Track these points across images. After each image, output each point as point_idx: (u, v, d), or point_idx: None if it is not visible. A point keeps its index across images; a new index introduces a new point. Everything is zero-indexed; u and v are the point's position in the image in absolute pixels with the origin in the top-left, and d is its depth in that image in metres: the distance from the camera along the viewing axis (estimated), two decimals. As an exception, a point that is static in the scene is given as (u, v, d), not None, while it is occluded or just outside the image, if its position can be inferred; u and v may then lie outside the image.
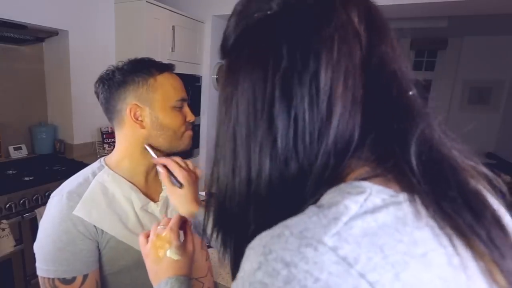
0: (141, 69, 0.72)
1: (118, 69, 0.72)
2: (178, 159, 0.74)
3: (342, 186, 0.30)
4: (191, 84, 2.92)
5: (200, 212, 0.66)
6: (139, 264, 0.73)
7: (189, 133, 0.79)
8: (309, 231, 0.25)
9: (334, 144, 0.31)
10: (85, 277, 0.64)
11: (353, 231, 0.25)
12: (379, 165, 0.31)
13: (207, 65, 3.05)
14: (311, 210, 0.28)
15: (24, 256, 1.62)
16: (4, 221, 1.52)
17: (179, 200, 0.68)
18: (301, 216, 0.28)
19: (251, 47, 0.33)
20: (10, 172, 1.81)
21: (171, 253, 0.54)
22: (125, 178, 0.74)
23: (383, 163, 0.31)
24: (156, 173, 0.83)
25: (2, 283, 1.60)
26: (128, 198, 0.73)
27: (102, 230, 0.67)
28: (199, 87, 3.05)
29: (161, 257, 0.54)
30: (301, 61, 0.30)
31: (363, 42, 0.31)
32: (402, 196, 0.28)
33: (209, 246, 1.24)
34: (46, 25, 1.99)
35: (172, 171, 0.70)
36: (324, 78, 0.30)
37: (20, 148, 2.14)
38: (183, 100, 0.76)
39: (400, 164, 0.30)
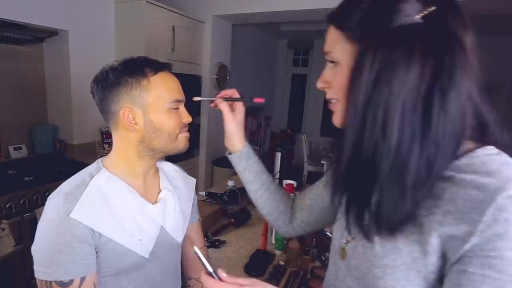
0: (134, 70, 0.70)
1: (112, 70, 0.71)
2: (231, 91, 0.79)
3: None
4: (191, 84, 2.92)
5: (247, 148, 0.76)
6: (137, 266, 0.73)
7: (184, 134, 0.76)
8: None
9: (466, 134, 0.42)
10: (82, 279, 0.64)
11: None
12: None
13: (207, 65, 3.05)
14: None
15: (24, 256, 1.63)
16: (4, 221, 1.52)
17: (236, 127, 0.76)
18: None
19: (409, 46, 0.40)
20: (10, 172, 1.81)
21: None
22: (122, 180, 0.74)
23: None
24: (154, 174, 0.82)
25: (2, 283, 1.61)
26: (126, 200, 0.72)
27: (99, 233, 0.66)
28: (199, 87, 3.05)
29: None
30: (449, 70, 0.40)
31: (475, 66, 0.42)
32: None
33: (208, 246, 1.24)
34: (46, 25, 1.99)
35: (231, 95, 0.78)
36: (465, 88, 0.41)
37: (20, 148, 2.14)
38: (178, 101, 0.74)
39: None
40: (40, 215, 0.67)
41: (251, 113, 4.64)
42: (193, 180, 0.94)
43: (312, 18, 2.75)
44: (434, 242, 0.41)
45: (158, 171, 0.84)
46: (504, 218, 0.36)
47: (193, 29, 2.84)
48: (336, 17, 0.48)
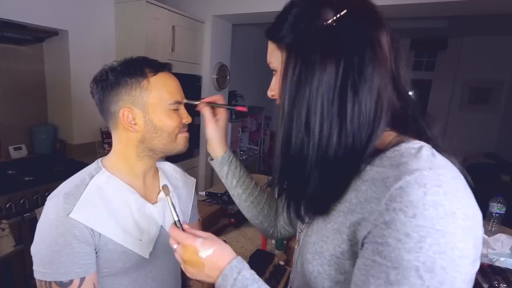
0: (134, 70, 0.70)
1: (111, 70, 0.70)
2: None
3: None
4: (191, 84, 2.92)
5: (228, 153, 0.79)
6: (137, 266, 0.73)
7: (184, 135, 0.77)
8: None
9: (380, 125, 0.46)
10: (82, 280, 0.64)
11: None
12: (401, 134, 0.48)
13: (207, 65, 3.05)
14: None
15: (24, 256, 1.63)
16: (4, 221, 1.52)
17: (216, 134, 0.78)
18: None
19: (323, 48, 0.45)
20: (10, 172, 1.81)
21: (204, 254, 0.54)
22: (122, 180, 0.73)
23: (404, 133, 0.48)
24: (154, 174, 0.82)
25: (2, 283, 1.61)
26: (125, 200, 0.72)
27: (99, 233, 0.66)
28: (199, 87, 3.05)
29: (201, 262, 0.54)
30: (359, 67, 0.44)
31: (391, 59, 0.47)
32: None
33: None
34: (46, 25, 1.99)
35: (215, 103, 0.80)
36: (376, 83, 0.45)
37: (20, 148, 2.14)
38: (178, 103, 0.74)
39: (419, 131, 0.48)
40: (40, 215, 0.67)
41: (251, 113, 4.64)
42: (192, 180, 0.94)
43: (312, 18, 2.75)
44: (346, 231, 0.46)
45: (158, 171, 0.84)
46: (393, 207, 0.38)
47: (193, 29, 2.84)
48: (270, 31, 0.53)
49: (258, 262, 1.16)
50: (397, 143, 0.45)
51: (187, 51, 2.80)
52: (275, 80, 0.55)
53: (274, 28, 0.52)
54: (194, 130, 2.73)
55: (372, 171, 0.44)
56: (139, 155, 0.74)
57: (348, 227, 0.45)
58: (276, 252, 1.25)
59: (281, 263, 1.17)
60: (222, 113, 0.80)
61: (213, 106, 0.79)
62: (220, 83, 3.21)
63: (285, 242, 1.26)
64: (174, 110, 0.74)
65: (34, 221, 1.63)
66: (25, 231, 1.62)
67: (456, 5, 2.16)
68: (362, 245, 0.42)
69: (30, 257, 0.65)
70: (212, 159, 0.81)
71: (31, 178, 1.73)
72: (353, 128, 0.45)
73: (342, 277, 0.47)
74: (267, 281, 1.04)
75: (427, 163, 0.40)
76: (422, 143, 0.44)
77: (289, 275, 1.12)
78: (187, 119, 0.77)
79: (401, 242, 0.37)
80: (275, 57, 0.52)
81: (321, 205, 0.50)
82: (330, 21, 0.45)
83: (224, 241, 1.37)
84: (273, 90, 0.56)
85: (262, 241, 1.27)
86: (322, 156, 0.46)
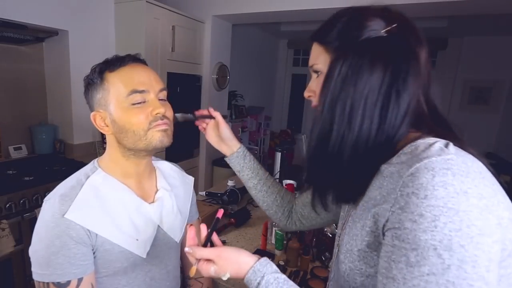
0: (93, 73, 0.71)
1: (89, 73, 0.72)
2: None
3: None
4: (191, 84, 2.92)
5: (242, 148, 0.88)
6: (135, 266, 0.73)
7: (158, 128, 0.70)
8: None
9: (406, 126, 0.50)
10: (79, 280, 0.64)
11: None
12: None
13: (207, 65, 3.05)
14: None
15: (24, 256, 1.63)
16: (4, 221, 1.52)
17: (230, 132, 0.88)
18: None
19: (372, 55, 0.49)
20: (10, 172, 1.81)
21: (225, 277, 0.57)
22: (118, 180, 0.73)
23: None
24: (150, 174, 0.81)
25: (2, 283, 1.60)
26: (121, 200, 0.72)
27: (96, 233, 0.66)
28: (199, 87, 3.05)
29: (225, 277, 0.57)
30: (404, 75, 0.49)
31: (426, 74, 0.52)
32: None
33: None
34: (46, 25, 1.99)
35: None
36: (413, 91, 0.49)
37: (20, 148, 2.14)
38: (138, 92, 0.68)
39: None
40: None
41: (251, 113, 4.64)
42: (191, 179, 0.94)
43: (312, 18, 2.74)
44: (369, 223, 0.48)
45: (155, 170, 0.84)
46: (406, 192, 0.41)
47: (193, 29, 2.84)
48: (318, 35, 0.57)
49: (258, 262, 1.16)
50: (414, 140, 0.48)
51: (187, 51, 2.80)
52: (316, 81, 0.58)
53: (322, 32, 0.56)
54: (194, 130, 2.73)
55: (391, 167, 0.47)
56: (124, 155, 0.74)
57: (369, 219, 0.48)
58: (276, 252, 1.25)
59: (281, 263, 1.17)
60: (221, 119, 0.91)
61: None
62: (220, 83, 3.21)
63: (285, 242, 1.25)
64: (137, 103, 0.68)
65: (34, 221, 1.61)
66: (25, 231, 1.62)
67: (456, 5, 2.16)
68: (383, 234, 0.44)
69: (30, 257, 0.65)
70: (227, 157, 0.89)
71: (31, 178, 1.73)
72: (389, 126, 0.49)
73: (372, 270, 0.49)
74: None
75: (437, 152, 0.43)
76: (438, 139, 0.46)
77: (290, 275, 1.12)
78: (157, 110, 0.69)
79: (416, 223, 0.39)
80: (321, 59, 0.56)
81: (349, 193, 0.54)
82: (382, 31, 0.50)
83: (224, 241, 1.37)
84: (312, 91, 0.60)
85: (262, 241, 1.27)
86: (357, 149, 0.50)
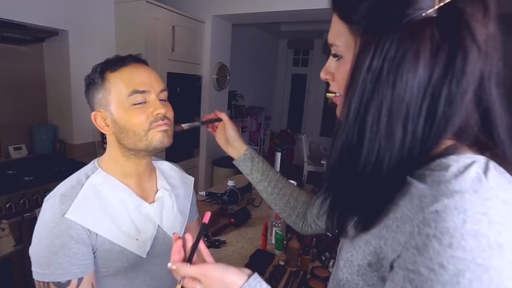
0: (93, 73, 0.71)
1: (90, 73, 0.72)
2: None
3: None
4: (191, 84, 2.92)
5: (249, 150, 0.83)
6: (135, 265, 0.73)
7: (158, 129, 0.70)
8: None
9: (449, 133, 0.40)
10: (80, 280, 0.64)
11: None
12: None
13: (207, 65, 3.05)
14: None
15: (24, 256, 1.63)
16: (4, 221, 1.52)
17: (236, 134, 0.84)
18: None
19: (418, 42, 0.36)
20: (10, 172, 1.81)
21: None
22: (118, 179, 0.73)
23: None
24: (150, 173, 0.81)
25: (2, 283, 1.61)
26: (122, 200, 0.71)
27: (96, 233, 0.66)
28: (199, 87, 3.05)
29: None
30: (461, 68, 0.36)
31: (481, 62, 0.38)
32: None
33: (209, 246, 1.24)
34: (46, 25, 1.99)
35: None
36: (466, 93, 0.37)
37: (20, 148, 2.14)
38: (139, 93, 0.68)
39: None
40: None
41: (251, 113, 4.64)
42: (191, 179, 0.94)
43: (312, 18, 2.75)
44: (374, 243, 0.41)
45: (155, 170, 0.84)
46: (426, 232, 0.34)
47: (193, 29, 2.84)
48: (340, 5, 0.43)
49: (258, 262, 1.16)
50: (446, 154, 0.39)
51: (187, 51, 2.80)
52: (336, 65, 0.46)
53: (348, 4, 0.42)
54: (194, 130, 2.73)
55: (412, 185, 0.38)
56: (124, 155, 0.73)
57: (375, 240, 0.41)
58: (276, 252, 1.25)
59: (281, 263, 1.17)
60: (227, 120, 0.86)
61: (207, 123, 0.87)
62: (220, 83, 3.21)
63: (285, 242, 1.26)
64: (138, 104, 0.68)
65: (34, 221, 1.61)
66: (25, 231, 1.62)
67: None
68: (392, 267, 0.38)
69: (30, 257, 0.65)
70: (234, 159, 0.85)
71: (31, 178, 1.73)
72: (434, 136, 0.39)
73: None
74: (267, 281, 1.04)
75: (473, 185, 0.34)
76: (476, 157, 0.37)
77: (290, 275, 1.12)
78: (157, 110, 0.69)
79: (435, 273, 0.33)
80: (342, 40, 0.43)
81: (371, 216, 0.43)
82: (430, 10, 0.36)
83: (224, 241, 1.36)
84: (329, 73, 0.48)
85: (262, 241, 1.27)
86: (395, 167, 0.39)
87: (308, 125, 5.76)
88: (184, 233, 0.86)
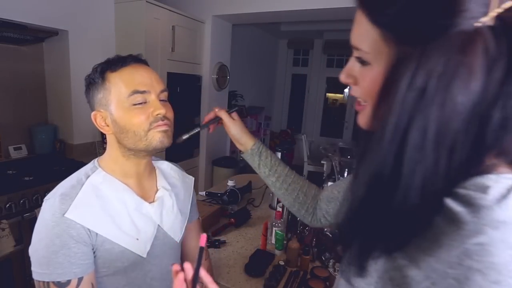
0: (94, 73, 0.71)
1: (91, 73, 0.72)
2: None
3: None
4: (191, 84, 2.92)
5: (257, 145, 0.81)
6: (135, 265, 0.72)
7: (158, 129, 0.70)
8: None
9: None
10: (80, 280, 0.64)
11: None
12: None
13: (207, 65, 3.05)
14: None
15: (24, 256, 1.62)
16: (4, 221, 1.52)
17: (240, 129, 0.81)
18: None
19: (472, 55, 0.31)
20: (10, 172, 1.81)
21: None
22: (118, 179, 0.73)
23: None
24: (150, 173, 0.81)
25: (2, 283, 1.61)
26: (122, 199, 0.71)
27: (96, 232, 0.66)
28: (199, 87, 3.05)
29: None
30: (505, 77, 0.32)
31: None
32: None
33: (209, 246, 1.24)
34: (46, 25, 1.99)
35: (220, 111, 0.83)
36: None
37: (20, 148, 2.14)
38: (139, 93, 0.68)
39: None
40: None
41: (251, 113, 4.64)
42: (191, 179, 0.94)
43: (312, 18, 2.75)
44: (402, 263, 0.36)
45: (155, 170, 0.84)
46: (468, 265, 0.30)
47: (193, 29, 2.84)
48: (370, 4, 0.37)
49: (258, 262, 1.16)
50: (482, 172, 0.34)
51: (187, 51, 2.80)
52: (361, 71, 0.40)
53: (380, 4, 0.36)
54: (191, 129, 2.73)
55: (448, 206, 0.34)
56: (124, 155, 0.74)
57: (402, 259, 0.36)
58: (276, 252, 1.25)
59: (281, 263, 1.17)
60: (235, 115, 0.85)
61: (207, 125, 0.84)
62: (220, 83, 3.21)
63: (285, 242, 1.26)
64: (138, 104, 0.68)
65: (34, 221, 1.60)
66: (25, 231, 1.62)
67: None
68: None
69: (30, 257, 0.65)
70: (242, 153, 0.83)
71: (31, 178, 1.73)
72: (480, 156, 0.34)
73: None
74: (267, 281, 1.04)
75: None
76: None
77: (290, 275, 1.12)
78: (158, 111, 0.69)
79: None
80: (370, 45, 0.37)
81: (402, 244, 0.37)
82: (484, 19, 0.31)
83: (224, 241, 1.37)
84: (352, 77, 0.43)
85: (262, 241, 1.27)
86: (436, 190, 0.34)
87: (308, 125, 5.76)
88: (185, 234, 0.86)
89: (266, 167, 0.80)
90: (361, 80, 0.41)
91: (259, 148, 0.81)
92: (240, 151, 0.84)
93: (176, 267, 0.54)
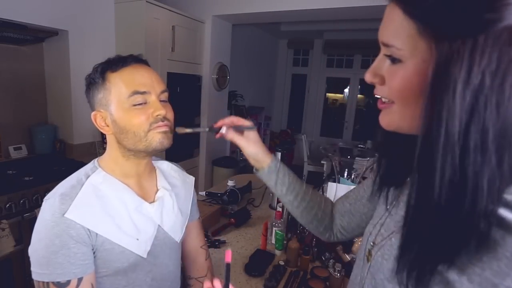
0: (94, 73, 0.71)
1: (91, 72, 0.72)
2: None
3: None
4: (191, 84, 2.92)
5: (274, 162, 0.72)
6: (135, 266, 0.72)
7: (158, 130, 0.70)
8: None
9: None
10: (79, 280, 0.64)
11: None
12: None
13: (207, 65, 3.05)
14: None
15: (24, 256, 1.62)
16: (4, 221, 1.52)
17: (256, 149, 0.71)
18: None
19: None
20: (10, 172, 1.81)
21: None
22: (118, 179, 0.73)
23: None
24: (150, 173, 0.81)
25: (2, 283, 1.61)
26: (122, 199, 0.71)
27: (96, 233, 0.66)
28: (199, 87, 3.05)
29: None
30: None
31: None
32: None
33: (209, 246, 1.24)
34: (46, 25, 1.99)
35: (236, 123, 0.72)
36: None
37: (20, 148, 2.14)
38: (139, 94, 0.68)
39: None
40: (40, 215, 0.67)
41: (251, 113, 4.64)
42: (191, 178, 0.94)
43: (312, 18, 2.75)
44: (453, 278, 0.34)
45: (155, 170, 0.84)
46: None
47: (193, 29, 2.84)
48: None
49: (258, 262, 1.16)
50: None
51: (187, 51, 2.80)
52: (390, 68, 0.38)
53: None
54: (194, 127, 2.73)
55: (501, 213, 0.32)
56: (124, 155, 0.74)
57: (464, 278, 0.34)
58: (276, 252, 1.25)
59: (281, 263, 1.17)
60: (250, 132, 0.73)
61: (237, 129, 0.72)
62: (220, 83, 3.21)
63: (285, 242, 1.25)
64: (139, 104, 0.68)
65: (34, 221, 1.60)
66: (25, 231, 1.62)
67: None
68: None
69: (29, 257, 0.65)
70: (257, 170, 0.74)
71: (31, 178, 1.73)
72: None
73: None
74: (267, 281, 1.04)
75: None
76: None
77: (290, 275, 1.12)
78: (158, 111, 0.69)
79: None
80: (405, 41, 0.35)
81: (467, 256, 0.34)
82: None
83: (224, 241, 1.36)
84: (379, 76, 0.41)
85: (262, 241, 1.27)
86: (502, 193, 0.33)
87: (308, 125, 5.76)
88: (185, 234, 0.86)
89: (284, 186, 0.72)
90: (390, 79, 0.39)
91: (276, 166, 0.72)
92: (254, 168, 0.75)
93: (207, 284, 0.55)
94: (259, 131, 4.83)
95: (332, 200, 0.78)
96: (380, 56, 0.40)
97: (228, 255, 0.54)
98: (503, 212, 0.32)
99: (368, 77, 0.42)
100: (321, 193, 0.78)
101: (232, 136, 0.71)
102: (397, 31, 0.36)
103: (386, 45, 0.37)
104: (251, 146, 0.71)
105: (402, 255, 0.39)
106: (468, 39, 0.31)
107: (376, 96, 0.43)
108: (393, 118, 0.41)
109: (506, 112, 0.30)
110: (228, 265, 0.54)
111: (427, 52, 0.34)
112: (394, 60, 0.37)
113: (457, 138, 0.32)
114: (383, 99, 0.42)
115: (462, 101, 0.31)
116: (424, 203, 0.36)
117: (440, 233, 0.35)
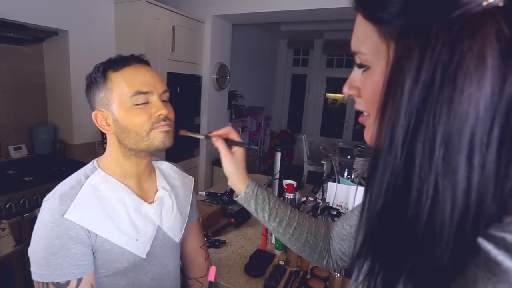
0: (96, 73, 0.71)
1: (92, 72, 0.72)
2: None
3: None
4: (191, 84, 2.92)
5: (251, 187, 0.67)
6: (135, 266, 0.73)
7: (160, 129, 0.70)
8: None
9: None
10: (79, 280, 0.64)
11: None
12: None
13: (207, 65, 3.05)
14: None
15: (24, 256, 1.63)
16: (4, 221, 1.53)
17: (232, 168, 0.67)
18: None
19: (481, 43, 0.26)
20: (10, 172, 1.81)
21: None
22: (117, 180, 0.73)
23: None
24: (150, 174, 0.81)
25: (2, 283, 1.61)
26: (121, 200, 0.72)
27: (95, 233, 0.66)
28: (199, 87, 3.05)
29: None
30: None
31: None
32: None
33: (209, 246, 1.24)
34: (46, 25, 1.99)
35: (229, 136, 0.70)
36: None
37: (20, 148, 2.14)
38: (142, 94, 0.68)
39: None
40: (40, 215, 0.67)
41: (251, 113, 4.64)
42: (191, 179, 0.94)
43: (312, 18, 2.75)
44: None
45: (154, 170, 0.84)
46: None
47: (193, 29, 2.84)
48: (365, 1, 0.34)
49: (258, 262, 1.16)
50: None
51: (187, 51, 2.80)
52: (363, 77, 0.37)
53: (376, 3, 0.32)
54: (194, 130, 2.73)
55: (488, 254, 0.28)
56: (124, 155, 0.74)
57: None
58: (276, 252, 1.25)
59: (281, 263, 1.17)
60: (238, 148, 0.70)
61: (228, 142, 0.70)
62: (220, 83, 3.21)
63: (285, 242, 1.25)
64: (141, 104, 0.69)
65: (34, 221, 1.60)
66: (25, 231, 1.62)
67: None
68: None
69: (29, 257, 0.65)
70: (236, 196, 0.69)
71: (31, 178, 1.73)
72: (507, 170, 0.28)
73: None
74: (267, 281, 1.04)
75: None
76: None
77: (290, 275, 1.12)
78: (160, 111, 0.69)
79: None
80: (369, 46, 0.34)
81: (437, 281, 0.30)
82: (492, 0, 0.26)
83: (224, 241, 1.36)
84: (355, 88, 0.39)
85: (262, 241, 1.27)
86: (459, 210, 0.28)
87: (308, 125, 5.76)
88: (184, 234, 0.86)
89: (265, 212, 0.66)
90: (363, 90, 0.37)
91: (253, 191, 0.67)
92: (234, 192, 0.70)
93: None
94: (259, 130, 4.83)
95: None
96: (354, 68, 0.39)
97: (212, 273, 0.51)
98: (484, 243, 0.28)
99: (345, 90, 0.40)
100: (310, 215, 0.73)
101: (219, 144, 0.68)
102: (361, 36, 0.35)
103: (356, 53, 0.36)
104: (230, 162, 0.67)
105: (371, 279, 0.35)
106: (420, 32, 0.28)
107: (357, 110, 0.41)
108: (371, 131, 0.38)
109: (460, 110, 0.27)
110: (210, 283, 0.51)
111: (389, 55, 0.32)
112: (363, 67, 0.36)
113: (403, 143, 0.29)
114: (365, 113, 0.40)
115: (409, 101, 0.29)
116: (370, 216, 0.34)
117: (390, 249, 0.33)
